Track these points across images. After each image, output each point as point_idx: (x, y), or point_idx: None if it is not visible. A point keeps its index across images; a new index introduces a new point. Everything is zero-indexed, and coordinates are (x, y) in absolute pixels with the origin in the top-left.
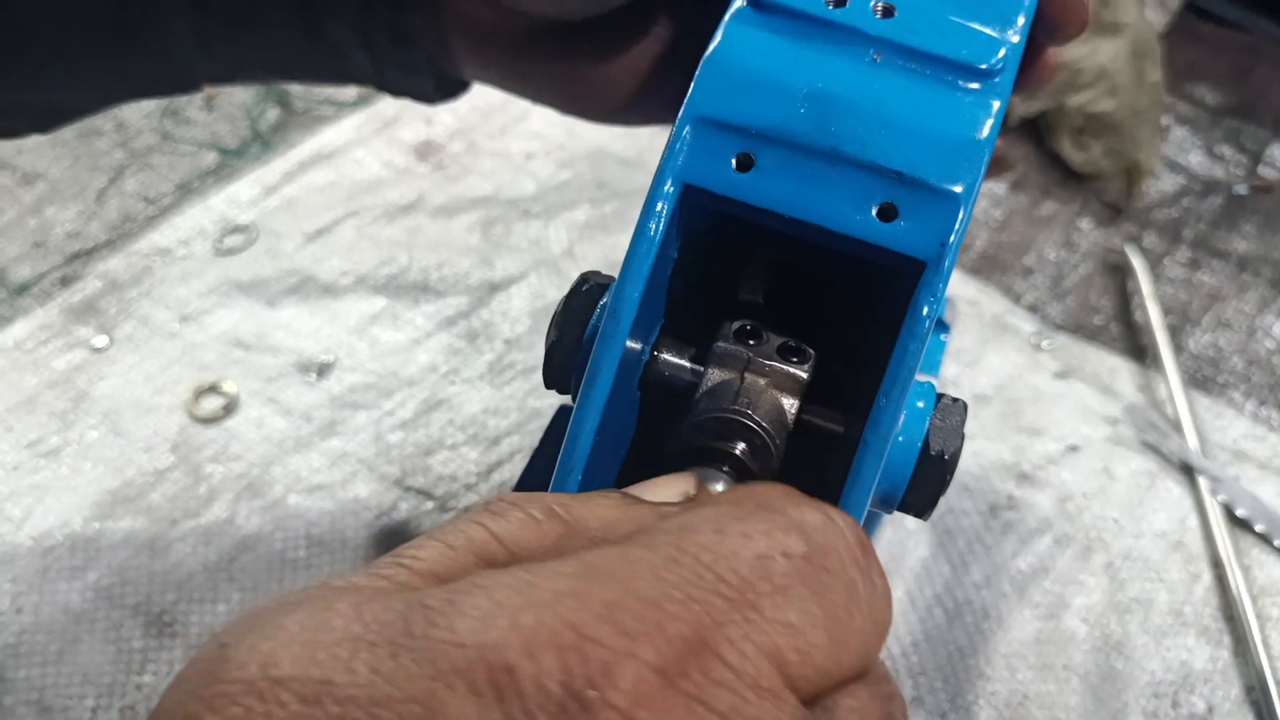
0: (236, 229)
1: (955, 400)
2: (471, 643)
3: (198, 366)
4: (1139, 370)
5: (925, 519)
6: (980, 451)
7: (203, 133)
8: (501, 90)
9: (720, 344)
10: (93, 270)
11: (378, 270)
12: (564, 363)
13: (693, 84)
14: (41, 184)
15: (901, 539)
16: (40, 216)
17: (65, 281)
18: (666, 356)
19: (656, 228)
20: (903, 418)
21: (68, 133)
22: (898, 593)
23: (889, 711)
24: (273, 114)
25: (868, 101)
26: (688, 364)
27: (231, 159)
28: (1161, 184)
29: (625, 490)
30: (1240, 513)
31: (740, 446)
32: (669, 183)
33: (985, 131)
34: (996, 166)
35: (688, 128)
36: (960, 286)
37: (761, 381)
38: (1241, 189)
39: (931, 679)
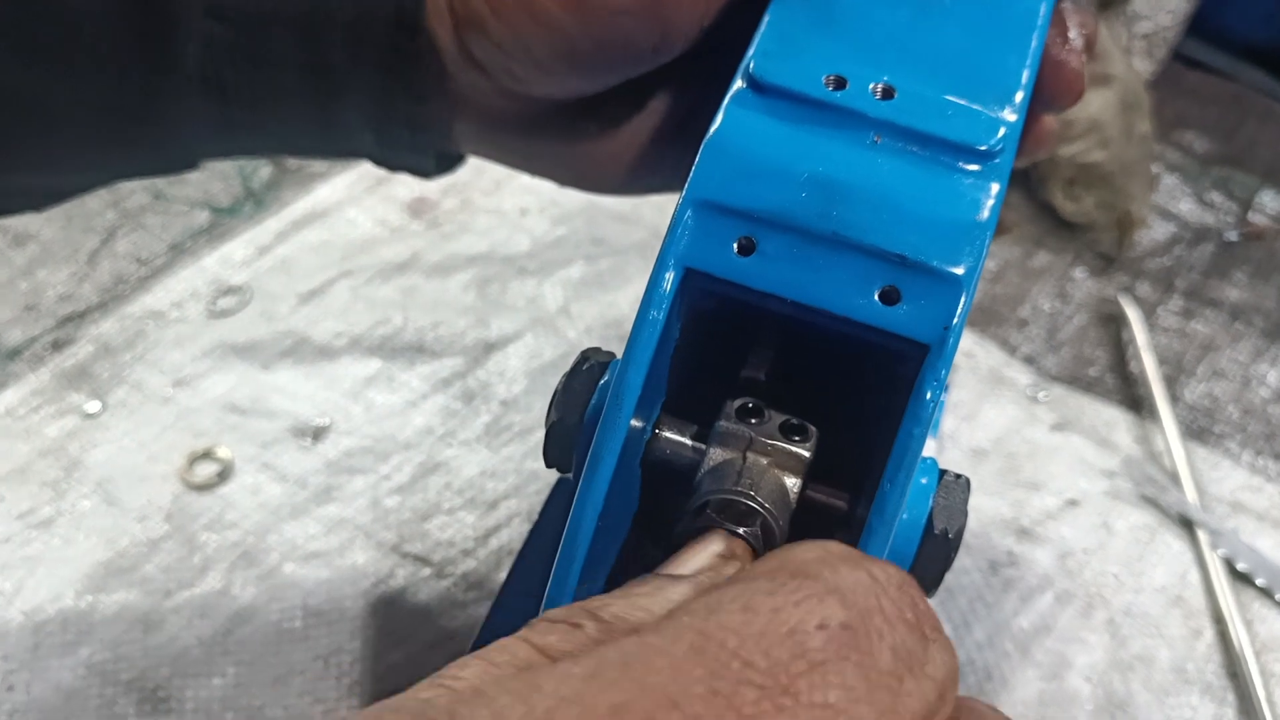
0: (230, 290)
1: (958, 477)
2: None
3: (192, 432)
4: (1136, 421)
5: (928, 596)
6: (979, 507)
7: (195, 191)
8: (501, 165)
9: (723, 423)
10: (85, 334)
11: (373, 331)
12: (565, 444)
13: (694, 168)
14: (33, 245)
15: None
16: (32, 279)
17: (57, 345)
18: (668, 435)
19: (659, 313)
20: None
21: None
22: None
23: None
24: (265, 171)
25: (869, 185)
26: (689, 442)
27: (224, 218)
28: (1153, 233)
29: (659, 570)
30: (1241, 566)
31: (744, 529)
32: (671, 267)
33: (986, 214)
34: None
35: (689, 211)
36: None
37: (764, 461)
38: (1232, 236)
39: None
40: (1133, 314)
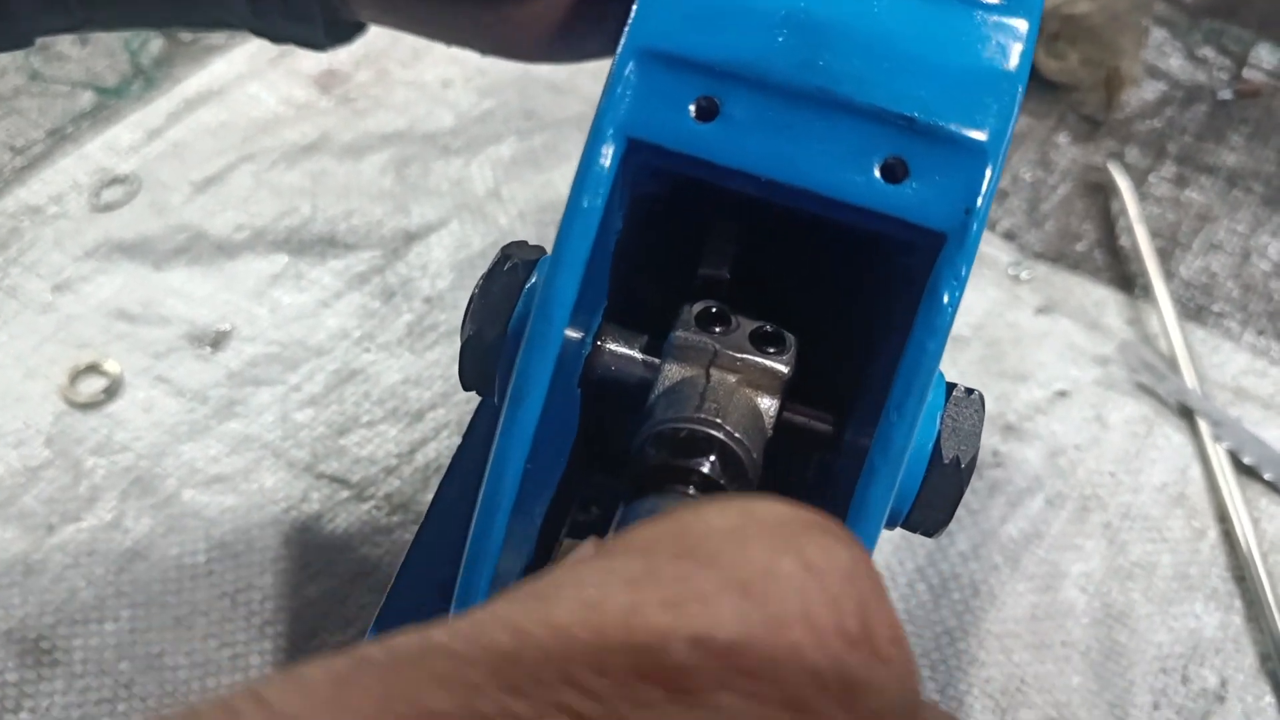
0: (116, 180)
1: (970, 392)
2: None
3: (75, 343)
4: (1128, 302)
5: (935, 537)
6: None
7: (77, 70)
8: (407, 33)
9: (679, 333)
10: None
11: (278, 223)
12: (484, 362)
13: (634, 6)
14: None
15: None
16: None
17: None
18: (612, 347)
19: (595, 199)
20: None
21: None
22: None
23: None
24: (156, 45)
25: (865, 25)
26: (639, 355)
27: (110, 99)
28: (1143, 92)
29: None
30: (1246, 460)
31: (708, 464)
32: (609, 138)
33: (1015, 61)
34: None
35: (631, 65)
36: None
37: (731, 379)
38: (1227, 94)
39: (918, 663)
40: (1122, 183)
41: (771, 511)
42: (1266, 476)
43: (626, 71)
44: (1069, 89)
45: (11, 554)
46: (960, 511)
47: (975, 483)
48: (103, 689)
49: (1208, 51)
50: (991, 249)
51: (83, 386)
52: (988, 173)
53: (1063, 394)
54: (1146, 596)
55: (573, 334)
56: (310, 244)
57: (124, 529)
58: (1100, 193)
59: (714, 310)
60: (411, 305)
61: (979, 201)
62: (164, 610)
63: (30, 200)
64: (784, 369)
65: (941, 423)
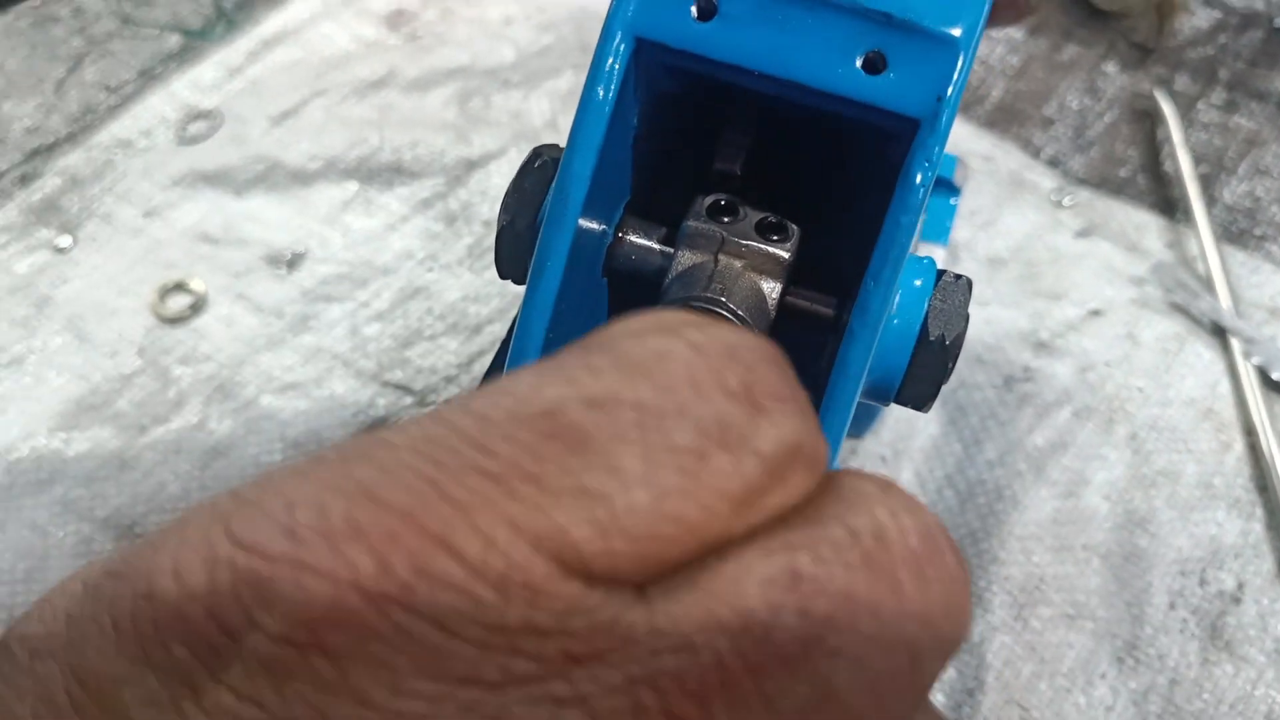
0: (200, 115)
1: (958, 277)
2: (128, 569)
3: (163, 264)
4: (1168, 225)
5: (925, 411)
6: (995, 319)
7: (164, 13)
8: None
9: (691, 222)
10: (53, 167)
11: (348, 153)
12: (517, 250)
13: None
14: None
15: (910, 417)
16: None
17: (25, 180)
18: (632, 238)
19: (606, 92)
20: (897, 298)
21: (22, 21)
22: (905, 475)
23: (796, 567)
24: None
25: None
26: (657, 246)
27: (195, 40)
28: (1195, 20)
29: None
30: (1276, 376)
31: None
32: (618, 37)
33: None
34: (1010, 10)
35: None
36: (974, 142)
37: (738, 264)
38: None
39: None
40: (1167, 108)
41: (669, 314)
42: None
43: None
44: (1119, 17)
45: (108, 451)
46: (989, 422)
47: (1005, 395)
48: None
49: None
50: (1034, 175)
51: (170, 303)
52: (959, 63)
53: (1096, 313)
54: (1169, 504)
55: (594, 225)
56: (378, 172)
57: (208, 430)
58: (1147, 119)
59: (723, 202)
60: (471, 228)
61: (949, 90)
62: None
63: (122, 135)
64: (786, 254)
65: (930, 305)
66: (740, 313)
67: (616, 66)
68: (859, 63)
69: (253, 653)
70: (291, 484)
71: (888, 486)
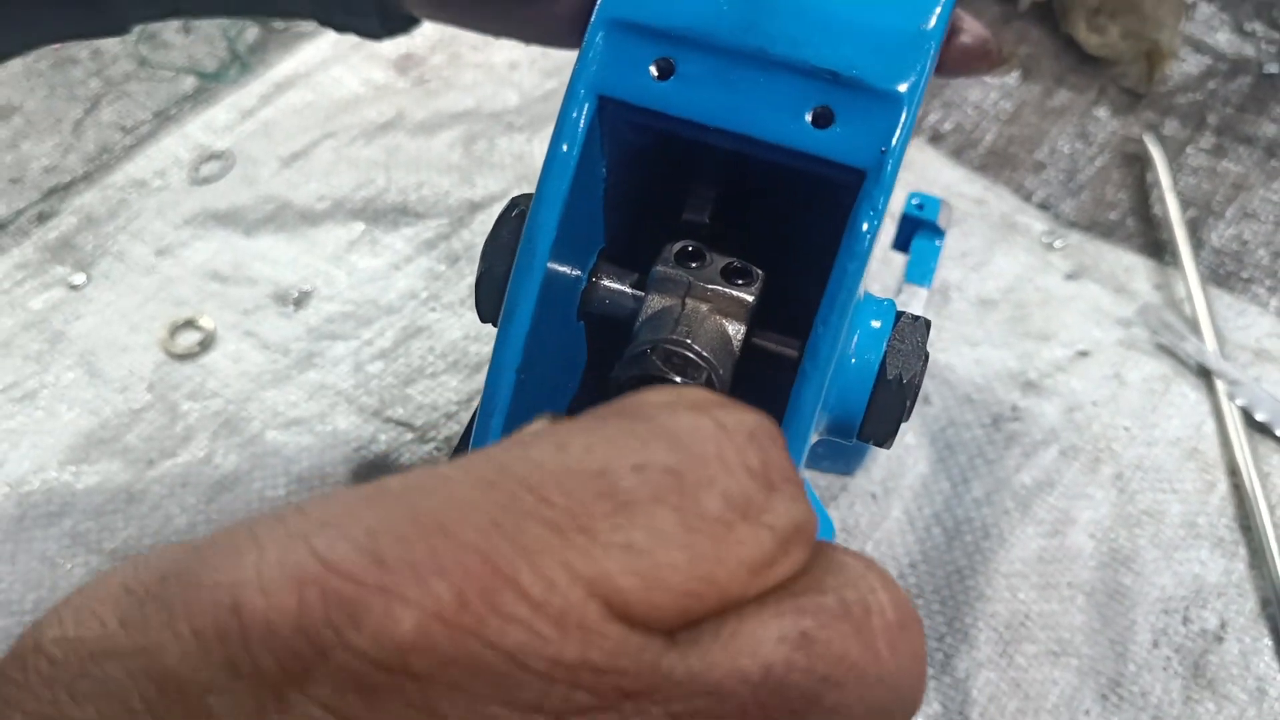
0: (212, 156)
1: (916, 319)
2: (210, 582)
3: (174, 301)
4: (1157, 268)
5: (887, 448)
6: (984, 360)
7: (180, 56)
8: (456, 27)
9: (659, 268)
10: (69, 206)
11: (355, 193)
12: (493, 295)
13: None
14: (17, 117)
15: (900, 455)
16: (16, 151)
17: (41, 218)
18: (605, 283)
19: (570, 147)
20: (856, 339)
21: (43, 63)
22: (895, 512)
23: (805, 630)
24: (251, 33)
25: None
26: (629, 290)
27: (209, 83)
28: (1185, 66)
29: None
30: (1260, 416)
31: (678, 378)
32: (582, 94)
33: (933, 21)
34: (987, 60)
35: (600, 33)
36: (966, 185)
37: (704, 307)
38: (1273, 68)
39: (929, 601)
40: (1156, 153)
41: (696, 393)
42: (1279, 433)
43: (596, 39)
44: (1109, 63)
45: (116, 484)
46: (977, 460)
47: (993, 434)
48: None
49: (1257, 25)
50: (1026, 218)
51: (180, 339)
52: (902, 118)
53: (1084, 353)
54: (1153, 543)
55: (567, 270)
56: (384, 213)
57: (214, 464)
58: (1137, 163)
59: (691, 248)
60: (474, 269)
61: (894, 142)
62: None
63: (137, 175)
64: (750, 298)
65: (888, 345)
66: (705, 354)
67: (581, 122)
68: (809, 118)
69: (341, 670)
70: (365, 511)
71: (870, 564)
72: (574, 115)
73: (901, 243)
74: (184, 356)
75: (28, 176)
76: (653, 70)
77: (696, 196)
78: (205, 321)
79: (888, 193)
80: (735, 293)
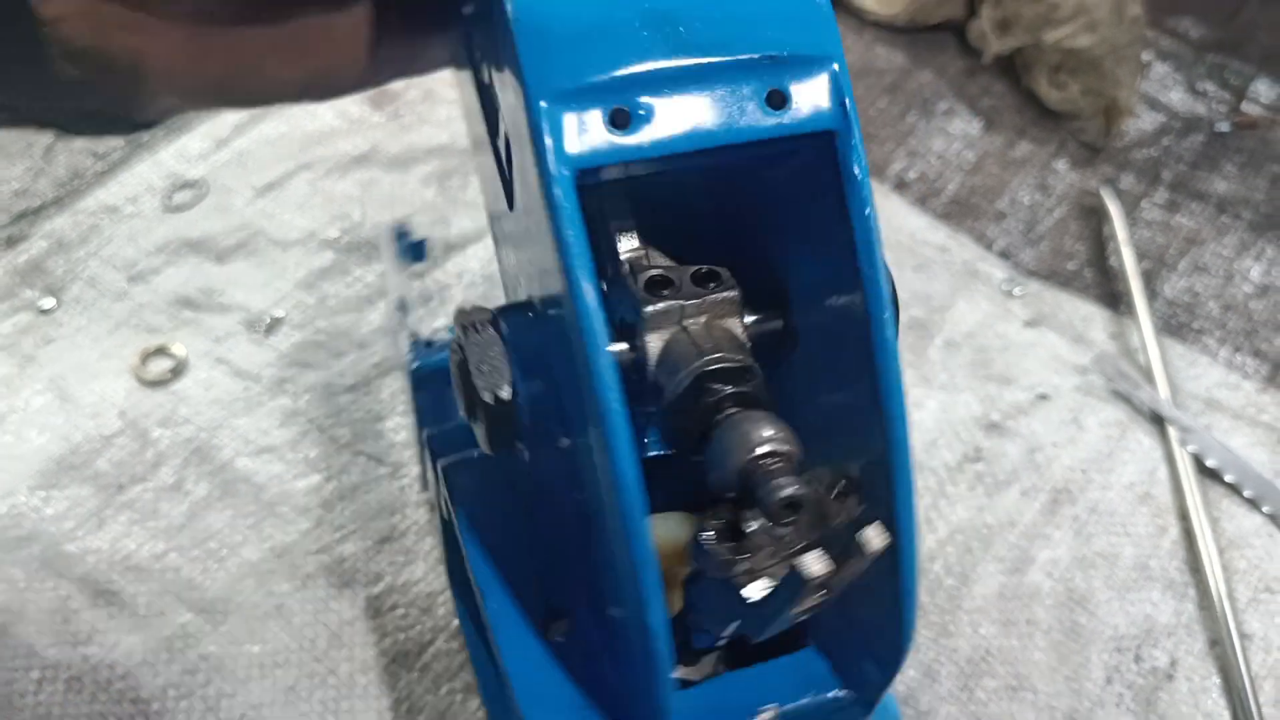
0: (186, 184)
1: None
2: None
3: (146, 328)
4: (1113, 317)
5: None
6: (949, 403)
7: None
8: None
9: (646, 309)
10: (40, 230)
11: (329, 226)
12: (512, 421)
13: (519, 64)
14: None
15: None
16: None
17: (11, 242)
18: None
19: (576, 229)
20: None
21: None
22: None
23: None
24: None
25: (698, 3)
26: (623, 346)
27: (183, 110)
28: (1141, 122)
29: None
30: (1210, 463)
31: (730, 387)
32: (558, 180)
33: None
34: None
35: (545, 110)
36: (930, 232)
37: (702, 319)
38: (1224, 126)
39: None
40: (1113, 207)
41: None
42: (1228, 479)
43: (544, 117)
44: (1070, 118)
45: (86, 509)
46: (940, 501)
47: (957, 475)
48: (163, 629)
49: (1209, 85)
50: (987, 266)
51: (152, 366)
52: (838, 69)
53: (1044, 397)
54: (1107, 584)
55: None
56: (358, 245)
57: (184, 491)
58: (1094, 216)
59: (657, 277)
60: (447, 310)
61: (847, 101)
62: (218, 563)
63: (109, 201)
64: (734, 292)
65: None
66: (735, 357)
67: (571, 202)
68: (766, 104)
69: None
70: None
71: None
72: (561, 198)
73: None
74: (155, 383)
75: None
76: (610, 125)
77: (619, 231)
78: (177, 349)
79: (860, 136)
80: (720, 295)
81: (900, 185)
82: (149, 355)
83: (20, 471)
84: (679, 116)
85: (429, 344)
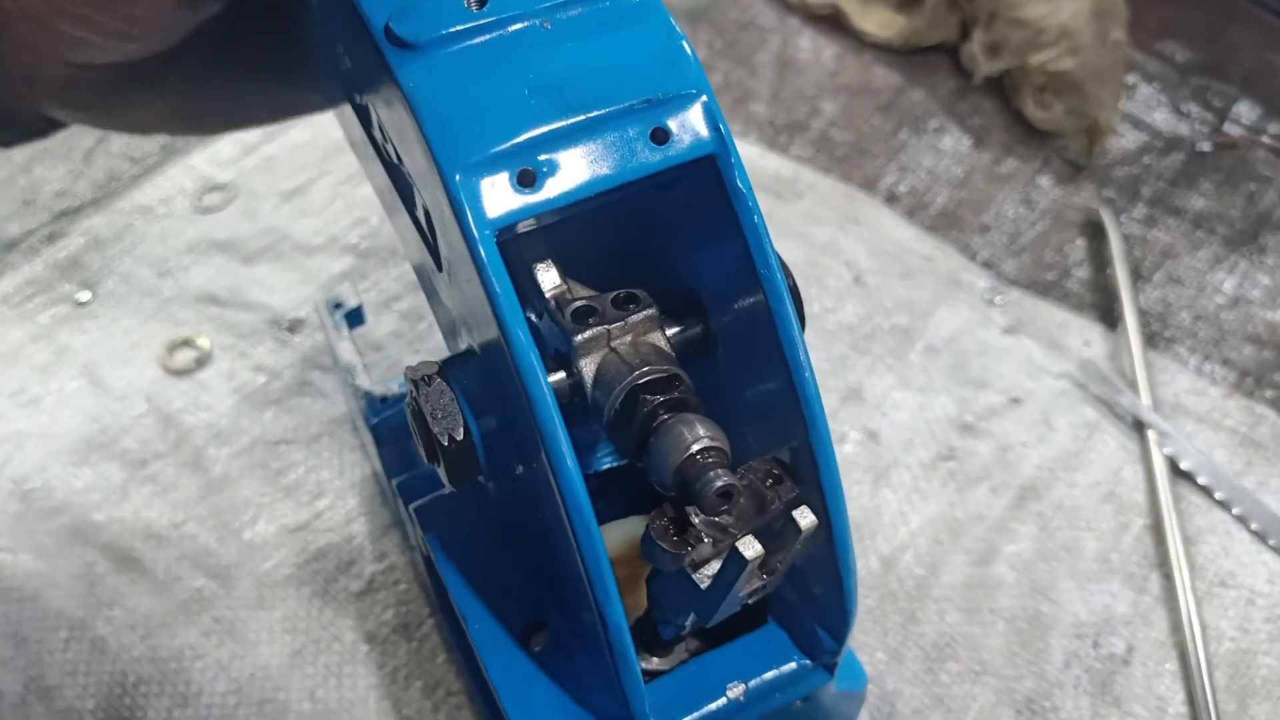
0: (216, 188)
1: None
2: None
3: (173, 321)
4: (1087, 325)
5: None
6: (925, 404)
7: None
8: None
9: (576, 338)
10: (78, 228)
11: (349, 231)
12: (470, 460)
13: (430, 146)
14: (31, 144)
15: (846, 488)
16: (30, 175)
17: (52, 238)
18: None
19: (504, 283)
20: None
21: None
22: None
23: None
24: None
25: (576, 64)
26: (561, 375)
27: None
28: (1124, 141)
29: None
30: (1184, 465)
31: (662, 396)
32: (481, 241)
33: (670, 32)
34: None
35: (461, 182)
36: (917, 243)
37: (628, 339)
38: (1205, 146)
39: (863, 621)
40: (1110, 223)
41: None
42: (1201, 480)
43: (460, 190)
44: (1054, 136)
45: (111, 483)
46: (913, 496)
47: (930, 472)
48: (180, 593)
49: (1192, 106)
50: (970, 275)
51: (178, 356)
52: (707, 101)
53: (1016, 400)
54: (1069, 575)
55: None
56: (375, 251)
57: (203, 469)
58: (1075, 229)
59: (582, 307)
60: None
61: (721, 126)
62: (232, 534)
63: (143, 202)
64: (653, 310)
65: None
66: (663, 367)
67: (495, 261)
68: (651, 142)
69: None
70: None
71: None
72: (485, 257)
73: None
74: (180, 372)
75: (39, 199)
76: (519, 185)
77: (540, 271)
78: (202, 341)
79: (738, 155)
80: (641, 314)
81: (891, 198)
82: (175, 346)
83: (53, 449)
84: (578, 167)
85: (384, 400)
